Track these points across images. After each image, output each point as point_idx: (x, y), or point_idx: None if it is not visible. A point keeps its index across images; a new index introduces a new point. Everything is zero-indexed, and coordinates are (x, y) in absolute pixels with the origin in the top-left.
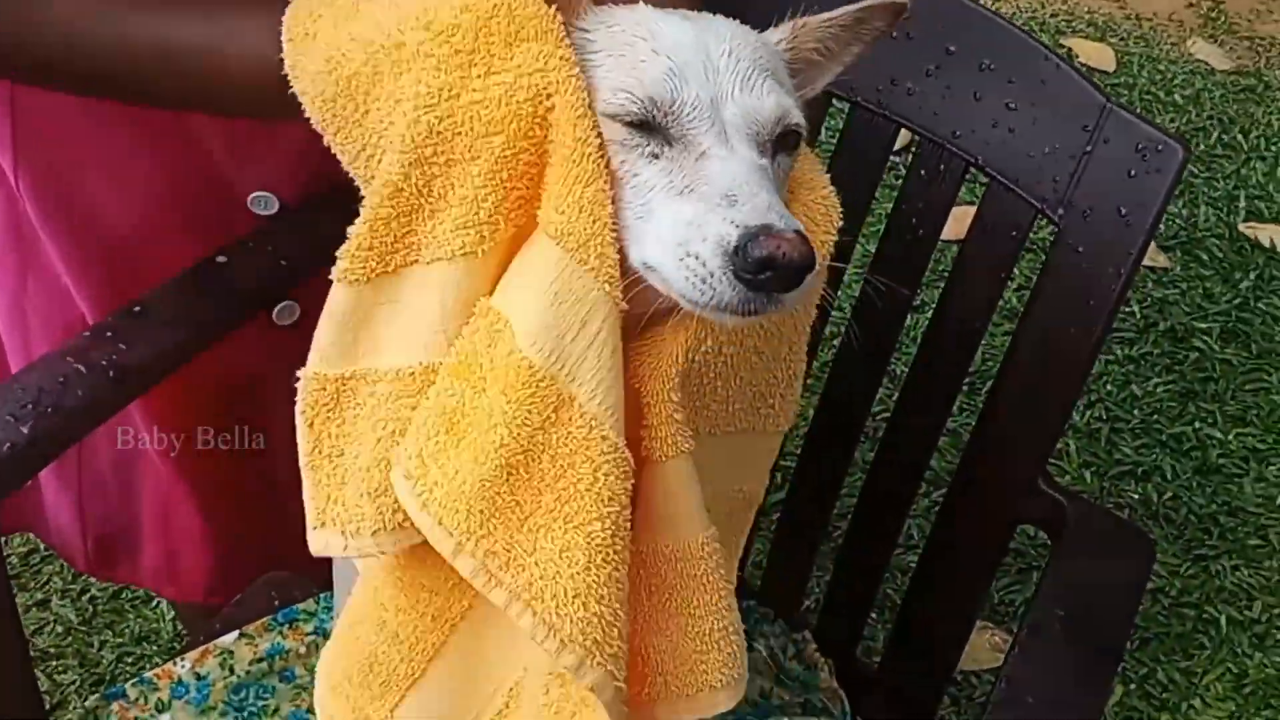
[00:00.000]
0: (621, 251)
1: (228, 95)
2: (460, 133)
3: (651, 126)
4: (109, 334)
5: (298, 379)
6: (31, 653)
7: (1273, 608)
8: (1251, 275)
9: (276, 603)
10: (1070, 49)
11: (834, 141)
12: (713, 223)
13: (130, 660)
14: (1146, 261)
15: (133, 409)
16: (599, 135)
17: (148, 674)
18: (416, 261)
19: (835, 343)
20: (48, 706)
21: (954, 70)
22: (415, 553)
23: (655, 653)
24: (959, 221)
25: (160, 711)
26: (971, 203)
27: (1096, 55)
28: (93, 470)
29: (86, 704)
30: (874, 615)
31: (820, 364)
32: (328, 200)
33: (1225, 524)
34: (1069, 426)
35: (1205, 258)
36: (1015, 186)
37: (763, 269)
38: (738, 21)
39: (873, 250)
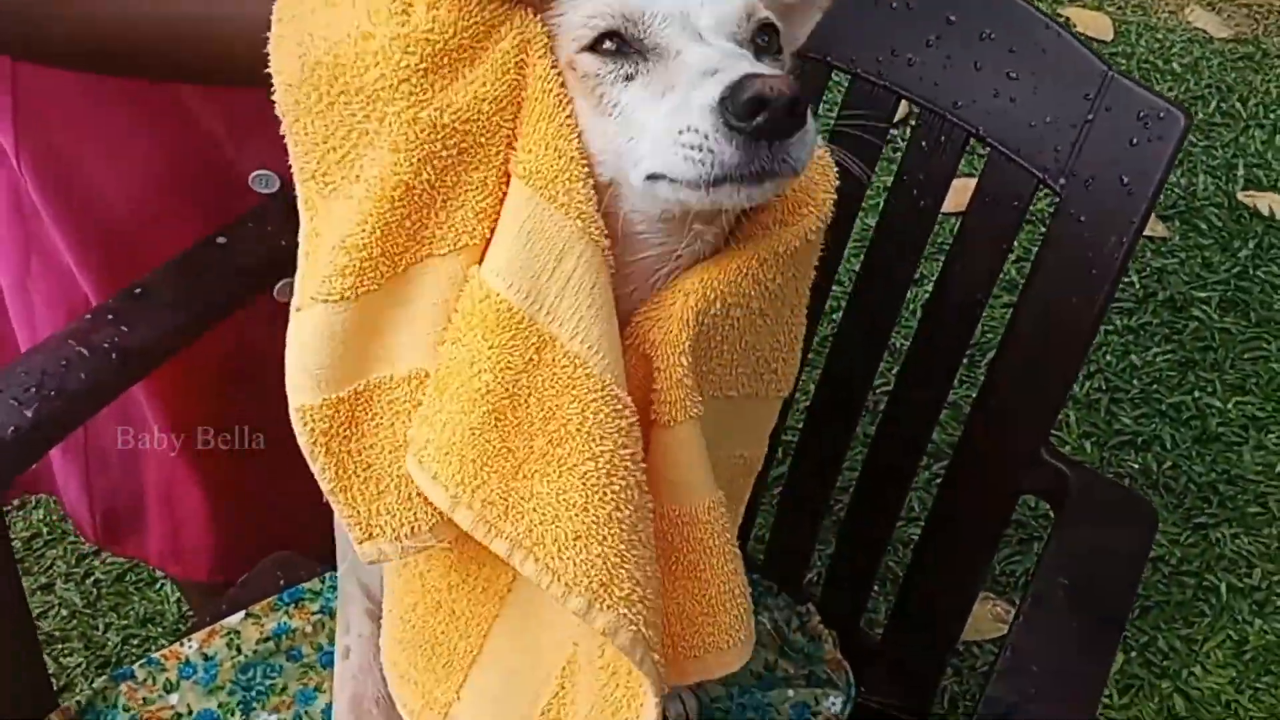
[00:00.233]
0: (611, 198)
1: (228, 68)
2: (468, 119)
3: (624, 44)
4: (110, 316)
5: None
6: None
7: (1272, 575)
8: (1250, 244)
9: (282, 582)
10: (1068, 18)
11: (832, 116)
12: (697, 95)
13: (135, 642)
14: (1145, 231)
15: (135, 387)
16: (559, 75)
17: (155, 655)
18: (430, 255)
19: (835, 317)
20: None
21: (954, 40)
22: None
23: (663, 616)
24: (959, 194)
25: (168, 692)
26: (971, 175)
27: (1094, 24)
28: (98, 448)
29: (95, 685)
30: (876, 588)
31: (821, 338)
32: None
33: (1225, 492)
34: (1069, 397)
35: (1204, 227)
36: (1016, 156)
37: (754, 112)
38: None
39: (873, 224)
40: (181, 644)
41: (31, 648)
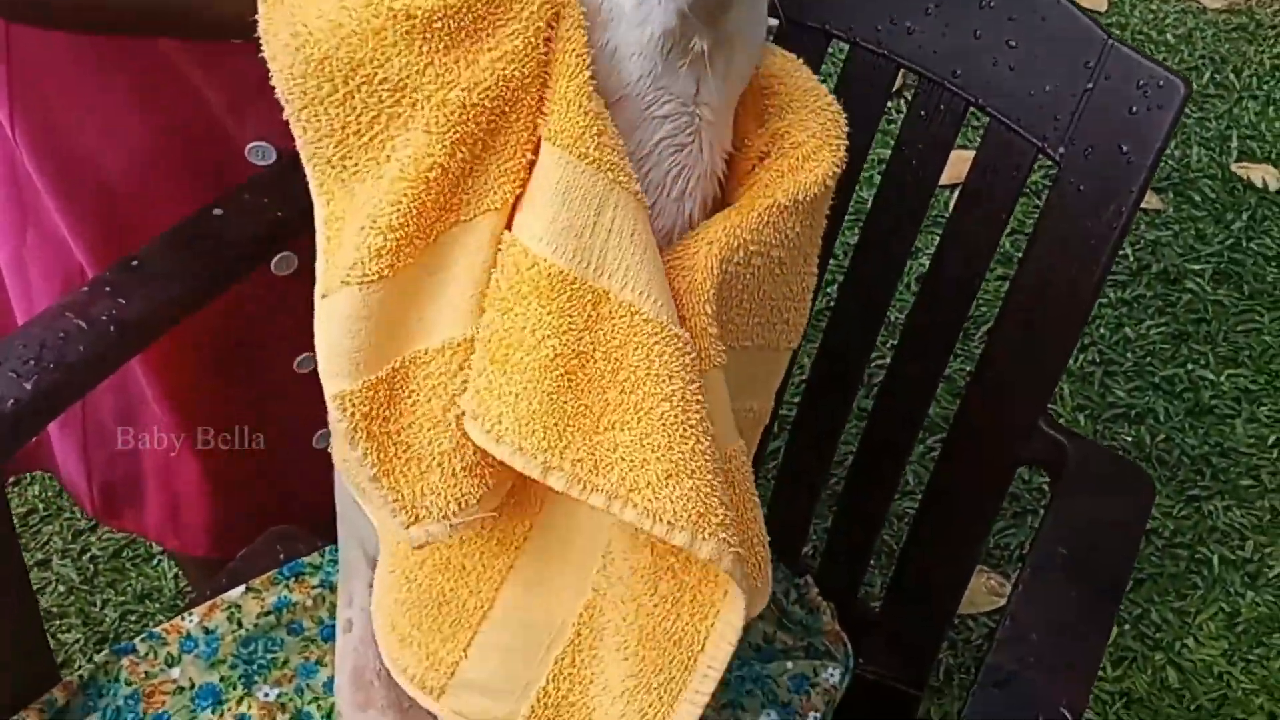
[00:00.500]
0: (608, 51)
1: (215, 22)
2: (497, 95)
3: None
4: (107, 288)
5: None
6: None
7: (1264, 547)
8: (1244, 216)
9: (282, 556)
10: None
11: (831, 84)
12: None
13: (133, 618)
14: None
15: (133, 361)
16: (581, 30)
17: (156, 629)
18: (457, 221)
19: (831, 290)
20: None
21: (953, 8)
22: None
23: None
24: (955, 167)
25: (170, 665)
26: (966, 146)
27: None
28: (96, 420)
29: (97, 659)
30: (873, 561)
31: (817, 312)
32: None
33: (1217, 465)
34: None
35: (1198, 199)
36: (1016, 126)
37: None
38: None
39: (869, 197)
40: (182, 618)
41: (34, 623)
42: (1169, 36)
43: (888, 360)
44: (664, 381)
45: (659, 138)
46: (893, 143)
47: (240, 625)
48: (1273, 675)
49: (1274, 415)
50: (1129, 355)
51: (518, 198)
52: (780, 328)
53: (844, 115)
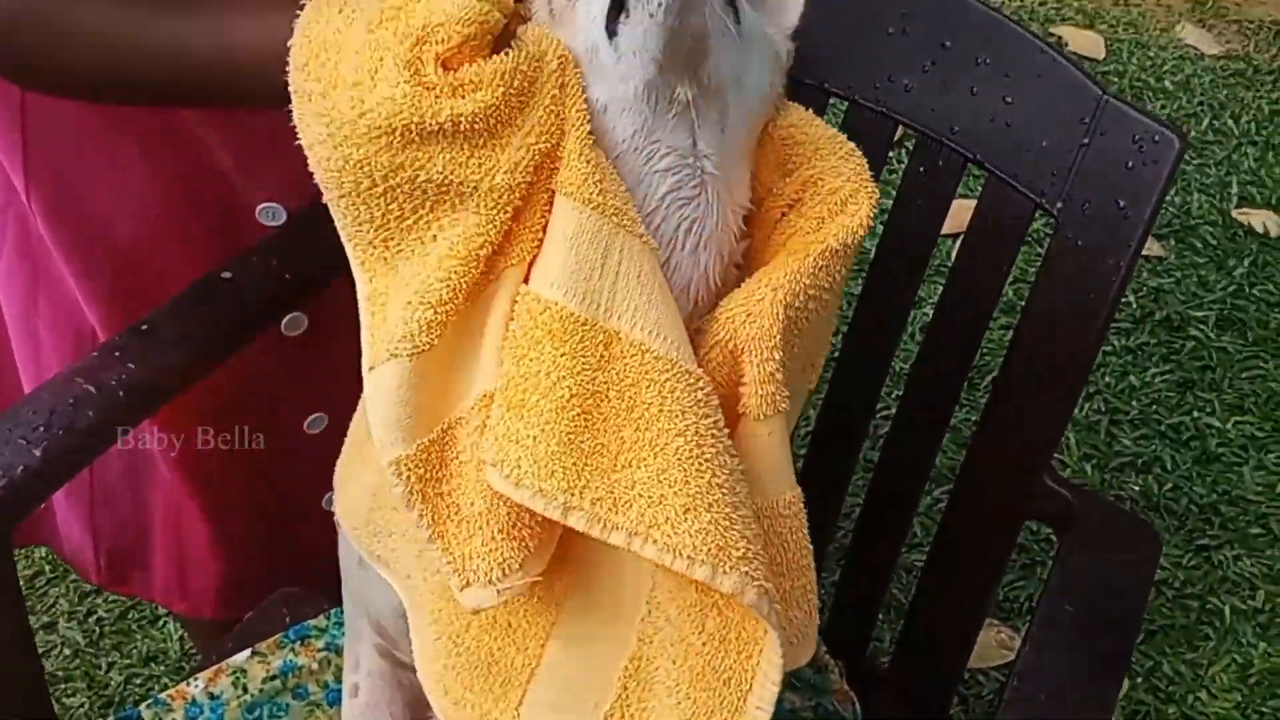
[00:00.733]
0: (596, 110)
1: (247, 88)
2: (530, 168)
3: None
4: (117, 353)
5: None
6: None
7: (1276, 597)
8: (1246, 261)
9: (288, 619)
10: (1060, 37)
11: None
12: None
13: (139, 681)
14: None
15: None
16: (581, 92)
17: (161, 695)
18: (489, 283)
19: (835, 340)
20: None
21: (950, 65)
22: None
23: None
24: (957, 215)
25: None
26: (969, 195)
27: (1086, 43)
28: (104, 483)
29: None
30: (882, 615)
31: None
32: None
33: (1226, 513)
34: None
35: (1199, 245)
36: (1013, 181)
37: None
38: None
39: (872, 247)
40: (188, 683)
41: (39, 688)
42: (1167, 83)
43: (893, 411)
44: (678, 417)
45: (663, 192)
46: (894, 193)
47: (245, 690)
48: None
49: None
50: (1134, 403)
51: (536, 250)
52: (810, 372)
53: (866, 160)
